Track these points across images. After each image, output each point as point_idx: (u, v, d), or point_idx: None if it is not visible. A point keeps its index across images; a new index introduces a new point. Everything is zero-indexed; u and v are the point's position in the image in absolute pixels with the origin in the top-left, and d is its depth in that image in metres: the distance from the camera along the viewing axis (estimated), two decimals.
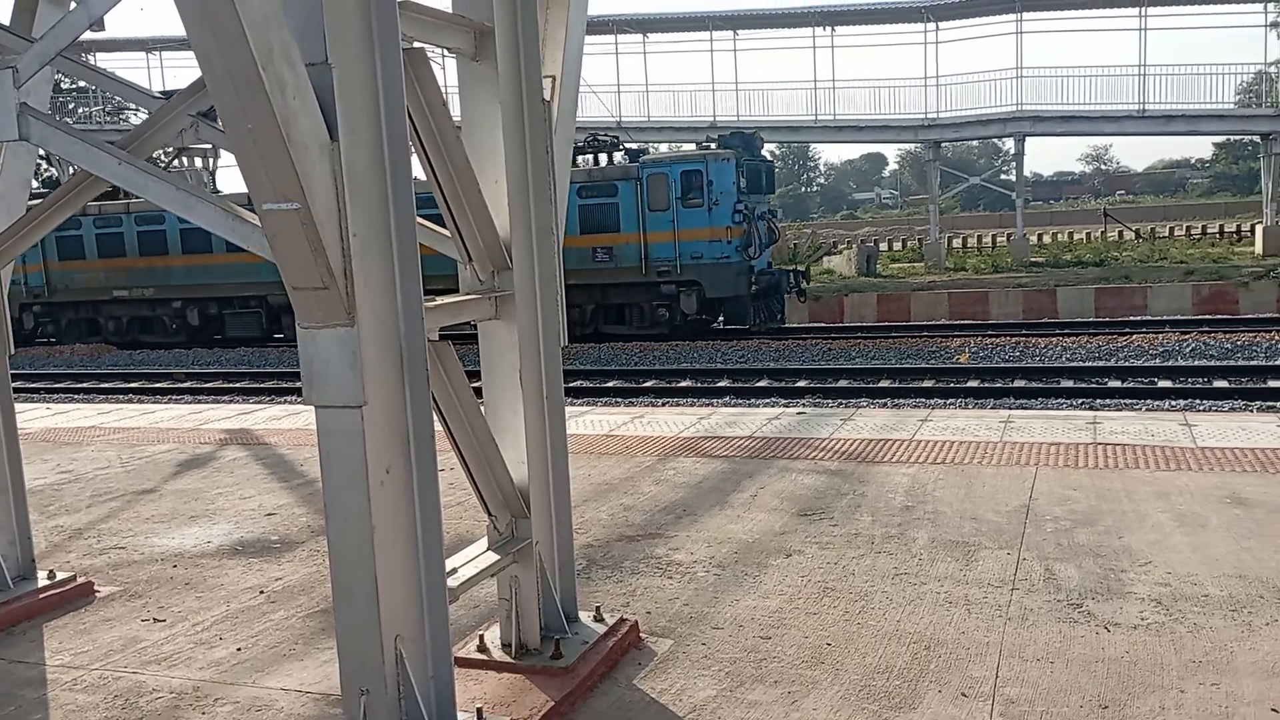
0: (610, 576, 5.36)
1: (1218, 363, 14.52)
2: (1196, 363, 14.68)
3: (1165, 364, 14.62)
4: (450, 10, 3.87)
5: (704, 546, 5.78)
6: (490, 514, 4.00)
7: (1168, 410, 11.17)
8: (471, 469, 3.84)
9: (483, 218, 3.81)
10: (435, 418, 3.47)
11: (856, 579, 5.13)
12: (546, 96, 4.17)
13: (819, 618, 4.66)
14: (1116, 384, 13.58)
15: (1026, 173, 34.11)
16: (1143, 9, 30.10)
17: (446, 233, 3.91)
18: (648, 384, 15.98)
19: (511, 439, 4.03)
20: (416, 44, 3.62)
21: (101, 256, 25.29)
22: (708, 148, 21.52)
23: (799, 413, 10.04)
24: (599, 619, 4.38)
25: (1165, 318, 20.32)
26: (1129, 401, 12.39)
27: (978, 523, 5.95)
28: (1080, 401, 12.56)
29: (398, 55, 3.11)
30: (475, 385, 3.81)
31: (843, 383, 14.89)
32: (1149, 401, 12.32)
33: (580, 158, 21.48)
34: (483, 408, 3.97)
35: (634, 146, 23.69)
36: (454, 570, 3.67)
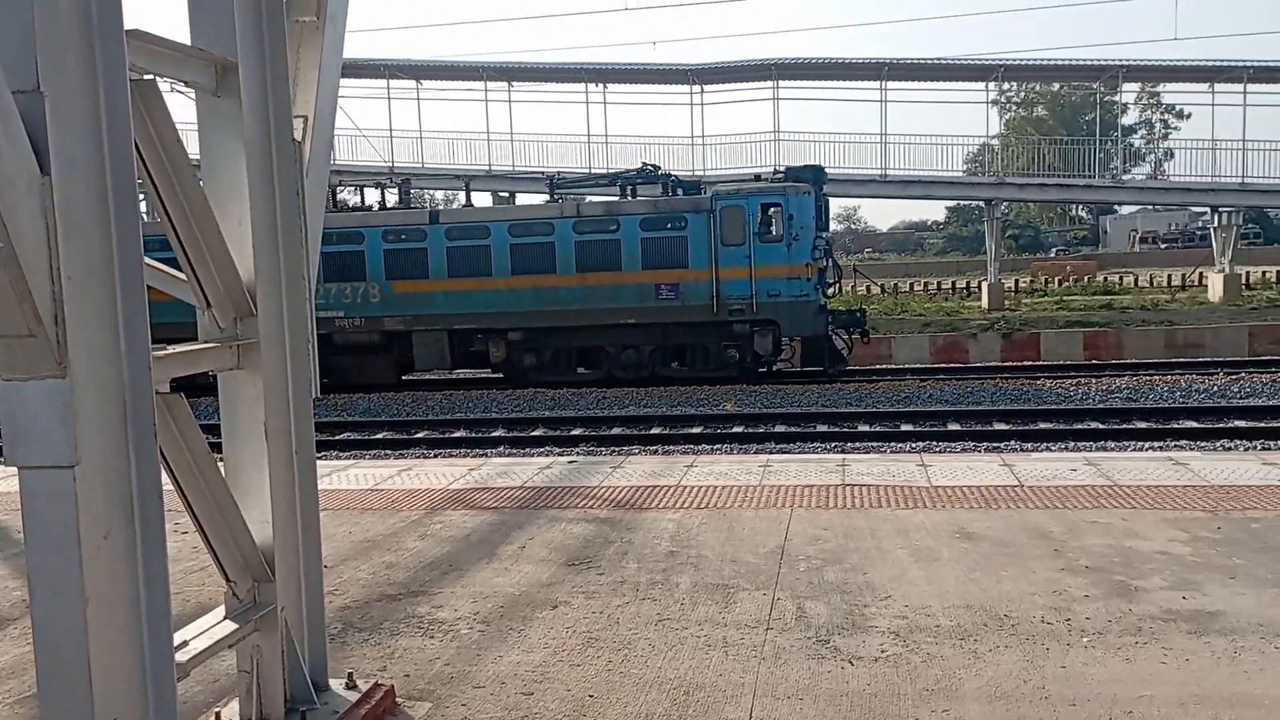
0: (368, 639, 5.12)
1: (950, 407, 15.87)
2: (933, 407, 15.97)
3: (906, 409, 15.82)
4: (189, 43, 3.65)
5: (469, 602, 5.64)
6: (229, 579, 3.72)
7: (908, 452, 12.07)
8: (207, 531, 3.56)
9: (223, 261, 3.58)
10: (166, 476, 3.20)
11: (621, 628, 5.16)
12: (298, 137, 4.00)
13: (582, 669, 4.63)
14: (866, 428, 14.54)
15: None
16: (883, 82, 32.95)
17: (184, 276, 3.65)
18: (419, 434, 15.58)
19: (255, 498, 3.78)
20: (149, 76, 3.38)
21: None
22: (776, 179, 20.68)
23: (571, 461, 10.08)
24: (352, 686, 4.16)
25: (907, 365, 22.06)
26: (875, 444, 13.30)
27: (737, 565, 6.15)
28: (833, 445, 13.35)
29: (124, 86, 2.89)
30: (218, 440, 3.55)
31: (616, 430, 15.11)
32: (893, 444, 13.27)
33: (628, 189, 21.29)
34: (222, 464, 3.71)
35: (688, 180, 22.54)
36: (185, 643, 3.38)
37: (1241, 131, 30.78)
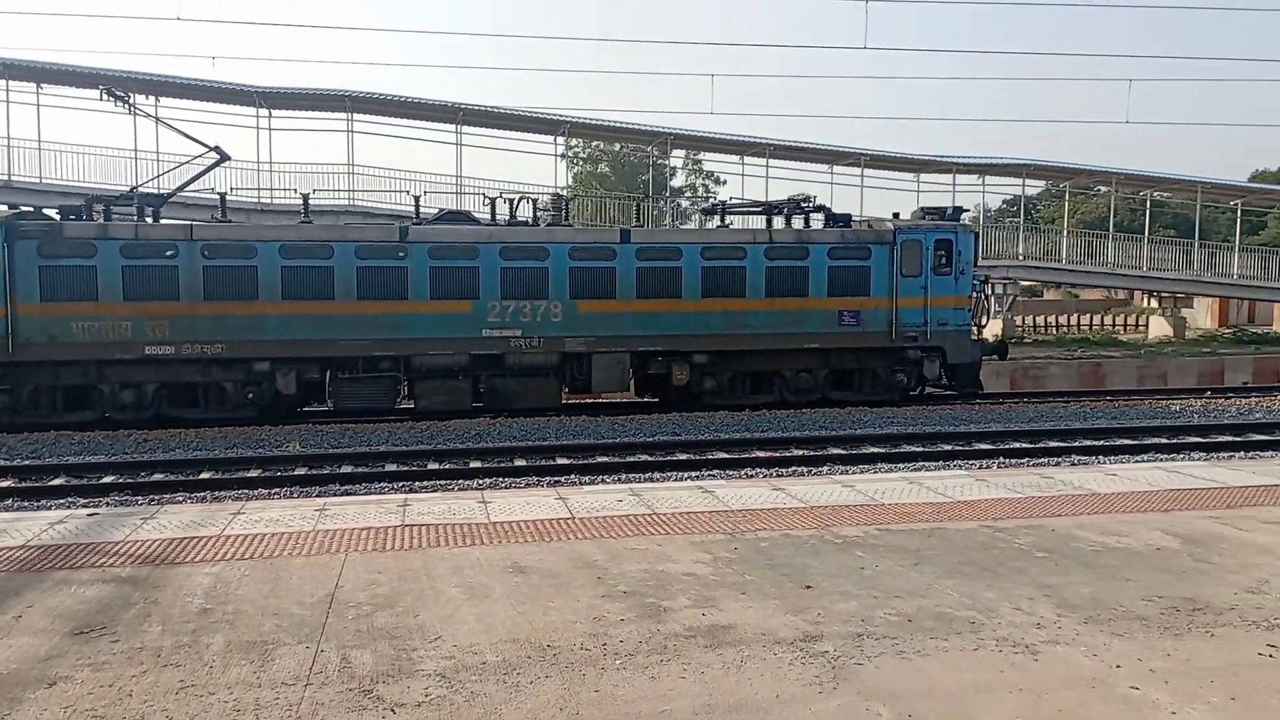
0: None
1: (517, 443, 16.33)
2: (500, 443, 16.34)
3: (475, 445, 16.03)
4: None
5: None
6: None
7: (473, 489, 12.20)
8: None
9: None
10: None
11: (134, 701, 4.57)
12: None
13: None
14: (435, 466, 14.49)
15: None
16: (459, 125, 33.58)
17: None
18: None
19: None
20: None
21: (132, 299, 17.80)
22: (935, 216, 21.79)
23: (92, 514, 8.86)
24: None
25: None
26: (443, 482, 13.29)
27: (280, 618, 5.75)
28: (400, 485, 13.13)
29: None
30: None
31: (157, 476, 13.62)
32: (460, 481, 13.35)
33: (777, 219, 21.46)
34: None
35: (839, 213, 22.01)
36: None
37: (765, 196, 35.46)
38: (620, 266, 19.75)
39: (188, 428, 17.90)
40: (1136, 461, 14.11)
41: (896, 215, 22.59)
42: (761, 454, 15.58)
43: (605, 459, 15.24)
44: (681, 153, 48.26)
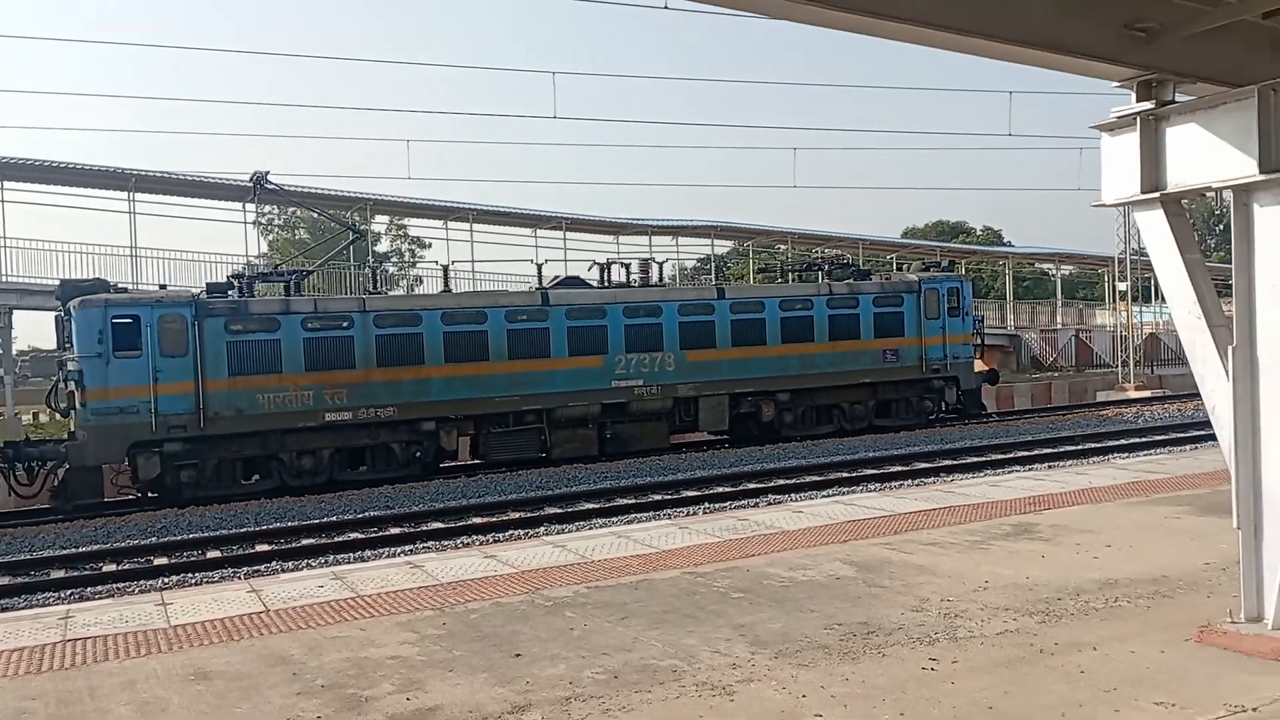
0: None
1: (210, 533, 15.06)
2: (190, 535, 15.00)
3: (160, 540, 14.60)
4: None
5: None
6: None
7: (155, 590, 11.08)
8: None
9: None
10: None
11: None
12: None
13: None
14: (112, 567, 13.05)
15: None
16: (131, 193, 31.04)
17: None
18: None
19: None
20: None
21: (313, 369, 18.77)
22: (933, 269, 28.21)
23: None
24: None
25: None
26: (121, 585, 11.99)
27: None
28: (70, 593, 11.69)
29: None
30: None
31: None
32: (143, 581, 12.10)
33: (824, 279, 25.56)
34: None
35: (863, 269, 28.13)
36: None
37: (470, 262, 35.53)
38: (718, 319, 22.93)
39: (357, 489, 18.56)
40: (824, 496, 15.29)
41: (901, 268, 29.97)
42: (478, 520, 15.36)
43: (311, 541, 14.42)
44: (385, 218, 47.29)
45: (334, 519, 15.75)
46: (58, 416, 19.54)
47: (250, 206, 35.27)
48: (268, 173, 22.12)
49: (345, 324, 19.34)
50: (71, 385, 17.56)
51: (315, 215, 53.95)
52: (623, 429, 21.74)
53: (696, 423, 22.83)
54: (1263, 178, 5.51)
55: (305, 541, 14.38)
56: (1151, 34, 5.56)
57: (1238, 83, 5.72)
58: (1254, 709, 4.93)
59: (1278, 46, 6.10)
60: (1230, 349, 5.82)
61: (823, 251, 48.02)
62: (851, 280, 25.61)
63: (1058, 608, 6.87)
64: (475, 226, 36.46)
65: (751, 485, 17.44)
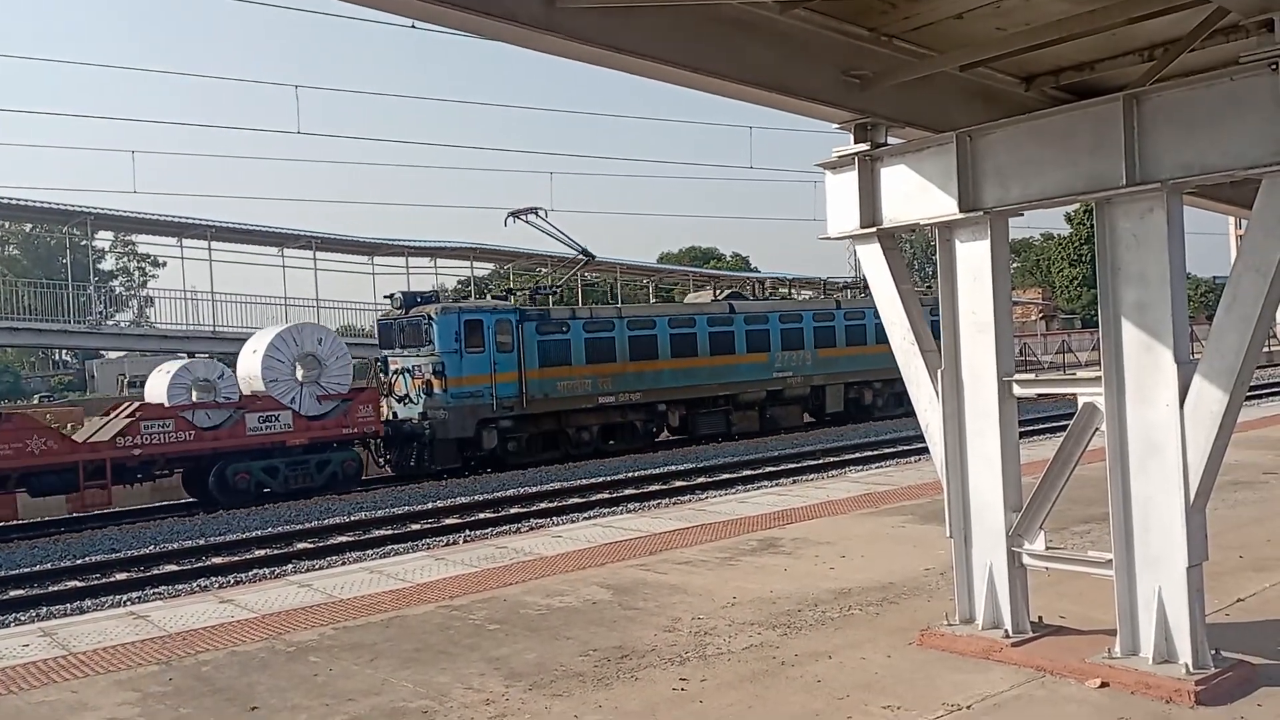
0: None
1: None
2: None
3: None
4: None
5: None
6: None
7: None
8: None
9: None
10: None
11: None
12: None
13: None
14: None
15: None
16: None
17: None
18: None
19: None
20: None
21: (590, 362, 24.26)
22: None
23: None
24: None
25: None
26: None
27: None
28: None
29: None
30: None
31: None
32: None
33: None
34: None
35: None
36: None
37: (210, 283, 33.31)
38: (837, 324, 29.16)
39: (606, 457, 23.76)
40: (585, 518, 15.42)
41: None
42: (218, 560, 14.34)
43: (19, 592, 12.92)
44: (110, 234, 43.49)
45: (48, 566, 14.21)
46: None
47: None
48: None
49: (610, 327, 24.73)
50: (429, 375, 22.01)
51: (29, 229, 48.92)
52: (777, 410, 27.91)
53: (824, 405, 29.11)
54: (961, 216, 6.07)
55: (13, 593, 12.86)
56: (866, 81, 6.00)
57: (941, 128, 6.28)
58: (968, 706, 5.37)
59: (974, 97, 6.75)
60: (940, 372, 6.37)
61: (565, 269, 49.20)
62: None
63: (798, 619, 7.23)
64: (214, 245, 34.17)
65: (514, 510, 17.33)
